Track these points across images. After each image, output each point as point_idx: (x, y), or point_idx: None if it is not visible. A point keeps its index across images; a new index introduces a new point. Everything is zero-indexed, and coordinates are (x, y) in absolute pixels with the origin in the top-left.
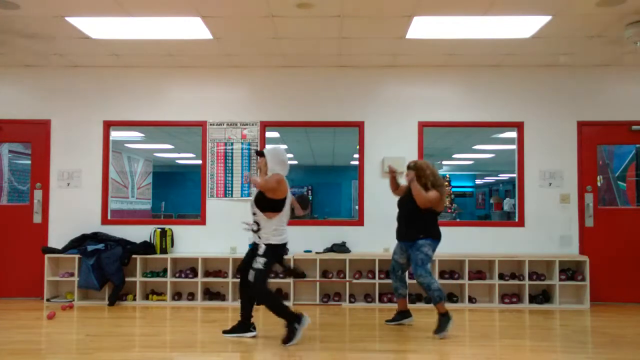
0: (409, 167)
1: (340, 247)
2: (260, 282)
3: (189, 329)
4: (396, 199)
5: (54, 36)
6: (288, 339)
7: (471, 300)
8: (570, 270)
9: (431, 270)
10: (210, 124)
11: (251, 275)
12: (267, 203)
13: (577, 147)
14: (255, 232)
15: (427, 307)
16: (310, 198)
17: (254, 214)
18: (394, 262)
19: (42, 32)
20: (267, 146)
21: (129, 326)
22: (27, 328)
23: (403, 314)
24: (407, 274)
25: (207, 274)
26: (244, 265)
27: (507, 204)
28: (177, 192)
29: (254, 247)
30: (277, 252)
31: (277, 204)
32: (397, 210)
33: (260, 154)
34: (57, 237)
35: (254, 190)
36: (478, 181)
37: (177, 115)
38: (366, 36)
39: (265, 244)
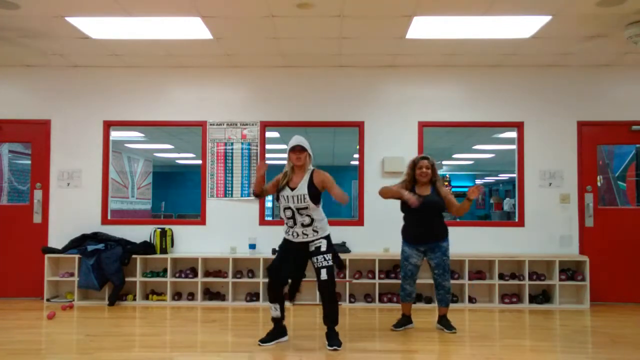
0: (423, 157)
1: (340, 247)
2: (333, 279)
3: (189, 329)
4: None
5: (54, 36)
6: (340, 342)
7: (471, 300)
8: (570, 270)
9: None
10: (210, 124)
11: (324, 274)
12: (320, 196)
13: (577, 147)
14: (307, 225)
15: (427, 307)
16: None
17: (303, 209)
18: (412, 267)
19: (42, 32)
20: (296, 139)
21: (129, 326)
22: (27, 328)
23: (408, 319)
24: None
25: (207, 274)
26: (283, 270)
27: (507, 204)
28: (177, 192)
29: (287, 246)
30: (331, 240)
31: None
32: (397, 210)
33: (302, 148)
34: (57, 237)
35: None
36: (478, 181)
37: (177, 115)
38: (366, 36)
39: (325, 237)
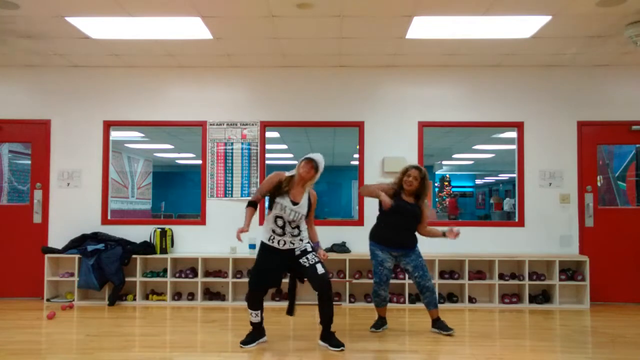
0: (416, 168)
1: (340, 247)
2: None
3: (189, 329)
4: None
5: (54, 36)
6: (342, 342)
7: (471, 300)
8: (570, 270)
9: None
10: (210, 124)
11: (320, 268)
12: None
13: (577, 147)
14: (295, 235)
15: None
16: None
17: (294, 221)
18: (387, 272)
19: (42, 32)
20: (317, 156)
21: (129, 326)
22: (27, 328)
23: (385, 320)
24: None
25: (207, 274)
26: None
27: (507, 204)
28: (177, 192)
29: (270, 254)
30: None
31: None
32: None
33: (317, 167)
34: (57, 237)
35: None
36: (478, 181)
37: (177, 115)
38: (366, 36)
39: (308, 241)
